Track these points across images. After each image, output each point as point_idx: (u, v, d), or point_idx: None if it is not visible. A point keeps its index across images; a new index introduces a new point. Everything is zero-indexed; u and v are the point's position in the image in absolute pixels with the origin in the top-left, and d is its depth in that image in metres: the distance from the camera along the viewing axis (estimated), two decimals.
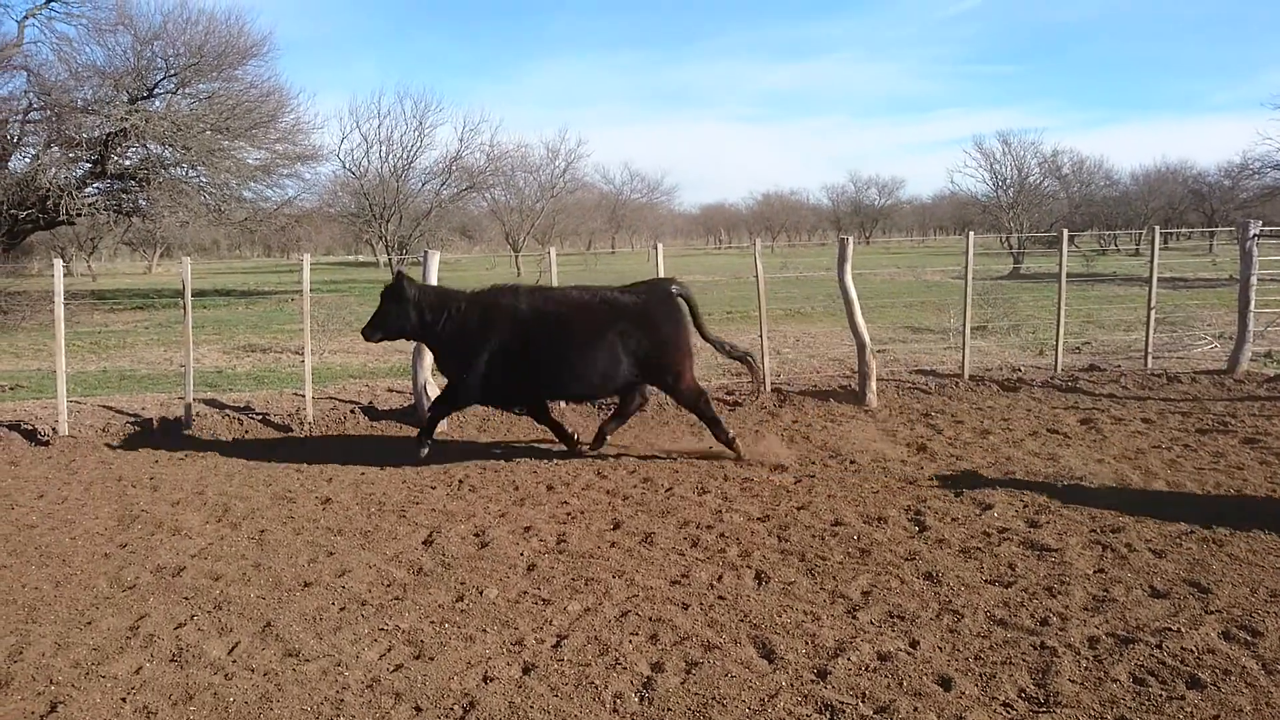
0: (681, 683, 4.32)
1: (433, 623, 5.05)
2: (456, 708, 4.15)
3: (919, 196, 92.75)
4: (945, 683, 4.23)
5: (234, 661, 4.65)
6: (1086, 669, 4.32)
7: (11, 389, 12.62)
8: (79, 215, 28.27)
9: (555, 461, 8.63)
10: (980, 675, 4.29)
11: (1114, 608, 4.96)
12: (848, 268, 11.42)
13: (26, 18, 28.44)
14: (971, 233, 12.78)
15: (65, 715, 4.14)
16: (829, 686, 4.23)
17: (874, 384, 11.08)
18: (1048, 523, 6.40)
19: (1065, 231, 13.21)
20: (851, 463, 8.26)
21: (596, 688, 4.29)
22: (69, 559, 6.19)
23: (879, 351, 12.41)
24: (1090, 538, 6.07)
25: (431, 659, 4.61)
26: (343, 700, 4.23)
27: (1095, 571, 5.50)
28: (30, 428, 10.11)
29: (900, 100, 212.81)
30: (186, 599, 5.47)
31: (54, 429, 10.06)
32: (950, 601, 5.14)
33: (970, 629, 4.78)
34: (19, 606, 5.40)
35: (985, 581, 5.42)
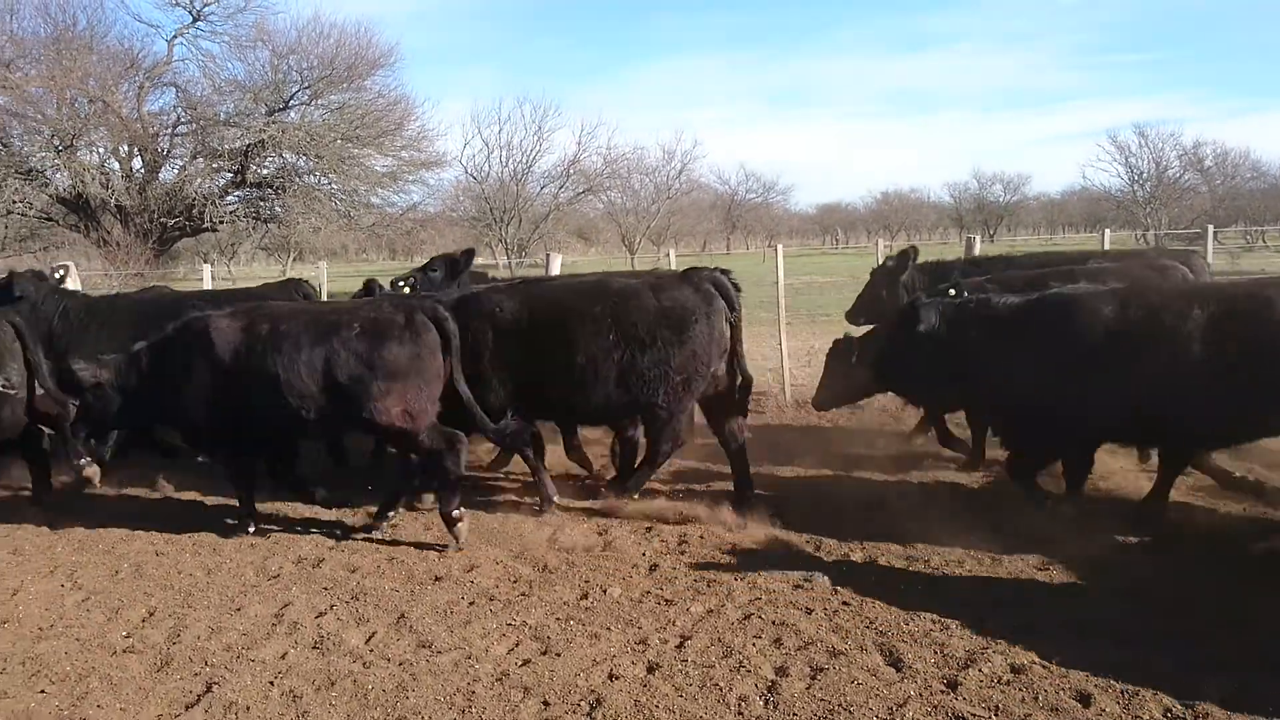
0: (807, 688, 4.29)
1: (558, 619, 5.15)
2: (584, 704, 4.23)
3: (1046, 192, 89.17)
4: (1084, 699, 4.08)
5: (371, 651, 4.85)
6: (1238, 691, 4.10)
7: None
8: (221, 222, 29.93)
9: (676, 464, 8.64)
10: (1122, 693, 4.12)
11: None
12: None
13: (175, 36, 30.36)
14: (1107, 230, 12.27)
15: (220, 695, 4.41)
16: (960, 698, 4.14)
17: None
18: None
19: (1210, 227, 12.54)
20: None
21: (721, 690, 4.30)
22: (219, 548, 6.56)
23: None
24: None
25: (558, 655, 4.71)
26: (474, 692, 4.37)
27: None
28: None
29: (1026, 93, 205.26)
30: (326, 589, 5.72)
31: None
32: (1085, 613, 4.94)
33: (1109, 643, 4.58)
34: (175, 591, 5.76)
35: (1119, 593, 5.19)
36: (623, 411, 7.07)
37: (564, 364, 6.70)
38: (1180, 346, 5.74)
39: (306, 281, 9.76)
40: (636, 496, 7.08)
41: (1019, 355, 6.23)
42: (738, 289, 7.04)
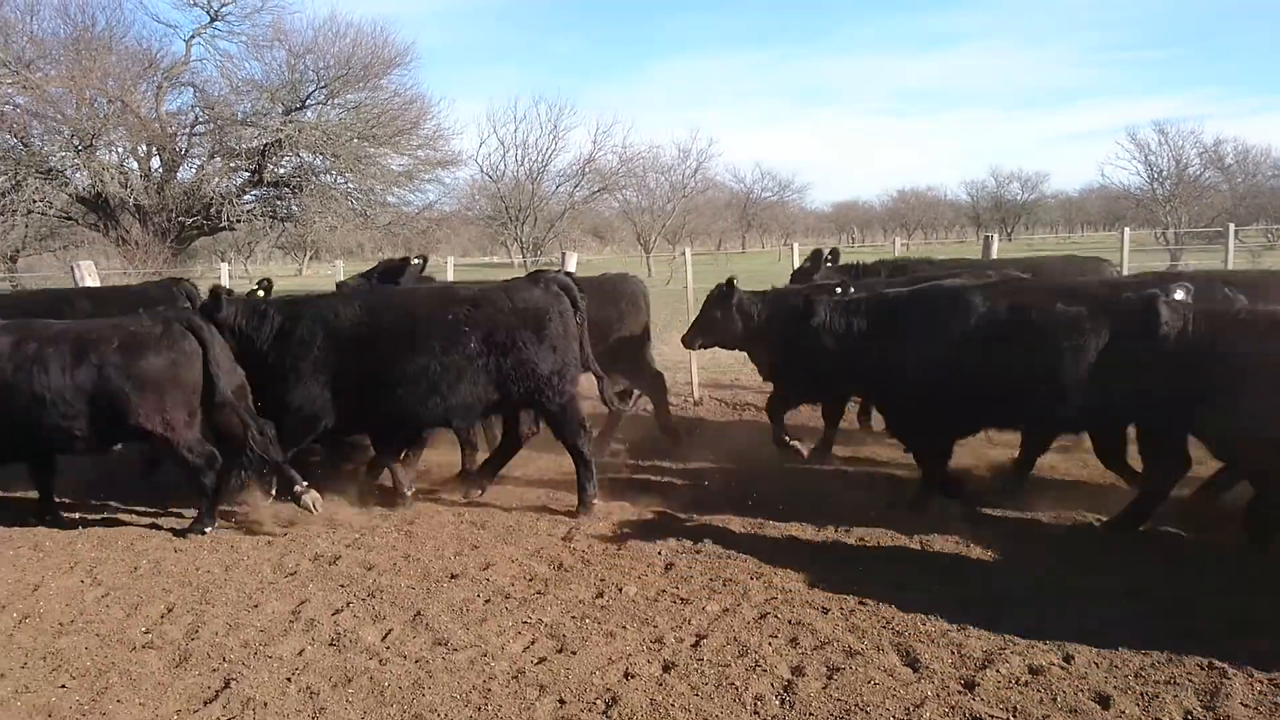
0: (823, 688, 4.28)
1: (574, 618, 5.15)
2: (599, 702, 4.23)
3: (1065, 190, 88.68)
4: (1103, 700, 4.06)
5: (388, 648, 4.87)
6: (1260, 692, 4.06)
7: None
8: (238, 221, 30.11)
9: (692, 463, 8.64)
10: (1142, 695, 4.09)
11: None
12: None
13: (193, 36, 30.50)
14: (1126, 229, 12.19)
15: (238, 691, 4.43)
16: (977, 699, 4.12)
17: None
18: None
19: (1231, 226, 12.43)
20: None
21: (737, 689, 4.30)
22: (236, 545, 6.59)
23: None
24: None
25: (574, 653, 4.71)
26: (490, 689, 4.37)
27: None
28: None
29: (1044, 90, 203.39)
30: (343, 586, 5.74)
31: None
32: (1106, 615, 4.91)
33: (1129, 645, 4.55)
34: (194, 588, 5.79)
35: (1144, 594, 5.15)
36: (487, 411, 7.39)
37: (420, 368, 6.89)
38: (1037, 338, 6.21)
39: (188, 280, 9.96)
40: (596, 502, 7.08)
41: (898, 344, 6.70)
42: (582, 292, 7.44)
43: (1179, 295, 6.13)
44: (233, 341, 7.06)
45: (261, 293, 7.81)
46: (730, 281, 8.35)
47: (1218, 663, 4.31)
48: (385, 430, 7.56)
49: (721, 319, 8.38)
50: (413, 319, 7.03)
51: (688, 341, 8.78)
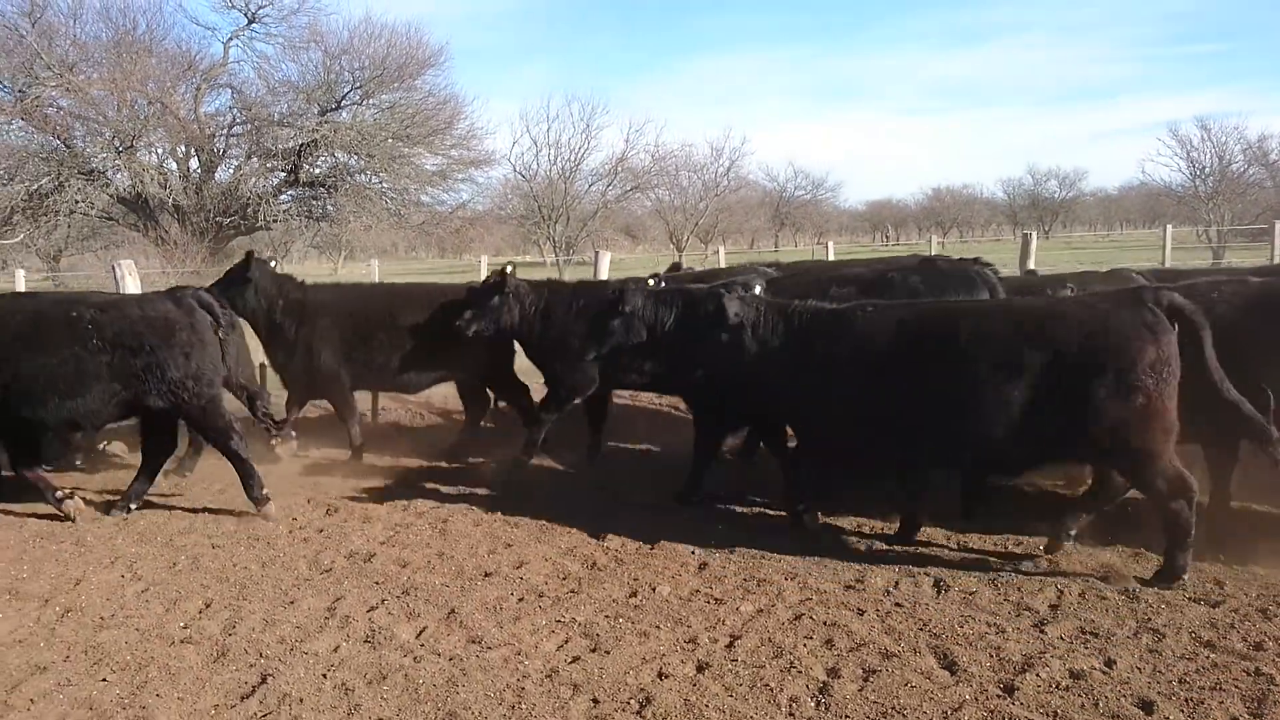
0: (859, 690, 4.23)
1: (608, 617, 5.14)
2: (633, 702, 4.21)
3: (1104, 188, 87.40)
4: (1146, 706, 3.98)
5: (422, 645, 4.88)
6: None
7: None
8: (275, 221, 30.49)
9: (719, 463, 8.59)
10: (1186, 701, 4.01)
11: None
12: (1030, 265, 10.92)
13: (231, 39, 30.97)
14: (1169, 226, 12.00)
15: (274, 687, 4.46)
16: (1017, 703, 4.05)
17: None
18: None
19: (1277, 224, 12.18)
20: None
21: (772, 690, 4.26)
22: (273, 542, 6.65)
23: None
24: None
25: (607, 653, 4.70)
26: (524, 689, 4.37)
27: None
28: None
29: (1083, 86, 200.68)
30: (377, 584, 5.77)
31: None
32: (1150, 619, 4.82)
33: (1173, 650, 4.47)
34: (231, 584, 5.84)
35: (1189, 600, 5.06)
36: (124, 414, 7.47)
37: (39, 369, 6.98)
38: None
39: None
40: (269, 507, 7.16)
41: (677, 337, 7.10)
42: (224, 308, 7.64)
43: (757, 288, 6.90)
44: None
45: None
46: (504, 270, 8.55)
47: (1264, 669, 4.23)
48: (20, 434, 7.58)
49: (498, 305, 8.41)
50: (37, 322, 7.11)
51: (464, 326, 8.46)
